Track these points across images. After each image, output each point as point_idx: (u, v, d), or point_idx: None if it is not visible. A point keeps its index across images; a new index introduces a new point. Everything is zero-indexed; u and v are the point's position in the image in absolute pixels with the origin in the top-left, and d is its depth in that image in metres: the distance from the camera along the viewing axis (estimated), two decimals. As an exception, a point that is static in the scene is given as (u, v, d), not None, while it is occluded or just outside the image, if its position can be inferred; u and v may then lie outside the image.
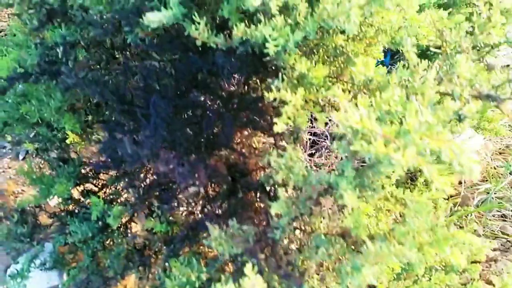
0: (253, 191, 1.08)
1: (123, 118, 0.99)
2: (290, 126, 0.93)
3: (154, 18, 0.85)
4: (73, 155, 1.73)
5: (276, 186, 0.95)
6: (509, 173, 2.33)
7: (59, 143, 1.61)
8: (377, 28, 0.94)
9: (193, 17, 0.92)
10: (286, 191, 0.89)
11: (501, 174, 2.35)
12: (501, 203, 2.20)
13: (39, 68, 1.20)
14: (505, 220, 2.17)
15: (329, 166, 2.21)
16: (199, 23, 0.93)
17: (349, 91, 0.90)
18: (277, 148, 0.99)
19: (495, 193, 2.24)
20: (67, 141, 1.49)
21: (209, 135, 0.98)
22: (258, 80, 1.00)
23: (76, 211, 1.45)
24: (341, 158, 2.32)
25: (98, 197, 1.21)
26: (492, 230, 2.09)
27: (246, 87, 1.00)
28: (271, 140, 1.07)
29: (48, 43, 1.23)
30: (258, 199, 1.08)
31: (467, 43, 0.89)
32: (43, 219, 1.62)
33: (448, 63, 0.86)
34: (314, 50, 0.98)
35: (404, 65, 0.87)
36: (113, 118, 1.09)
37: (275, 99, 0.86)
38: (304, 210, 0.83)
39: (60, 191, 1.25)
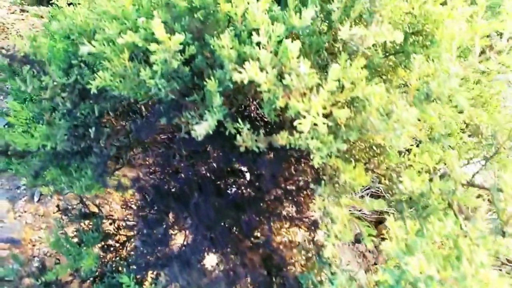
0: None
1: (163, 213, 0.99)
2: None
3: (201, 131, 0.85)
4: (93, 208, 1.72)
5: None
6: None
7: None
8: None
9: (237, 123, 0.92)
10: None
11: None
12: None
13: (69, 147, 1.20)
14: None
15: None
16: (242, 128, 0.92)
17: (396, 206, 0.90)
18: (314, 243, 1.00)
19: None
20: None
21: (247, 231, 0.98)
22: (295, 175, 1.01)
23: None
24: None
25: (129, 275, 1.21)
26: None
27: (283, 182, 1.00)
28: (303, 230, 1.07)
29: (76, 116, 1.23)
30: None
31: None
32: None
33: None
34: (357, 156, 0.98)
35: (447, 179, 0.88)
36: (150, 210, 1.09)
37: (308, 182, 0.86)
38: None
39: (88, 265, 1.24)
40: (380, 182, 1.07)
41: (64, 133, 1.22)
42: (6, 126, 2.81)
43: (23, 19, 5.03)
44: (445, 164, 1.03)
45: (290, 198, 1.02)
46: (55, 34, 1.51)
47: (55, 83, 1.06)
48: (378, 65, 1.15)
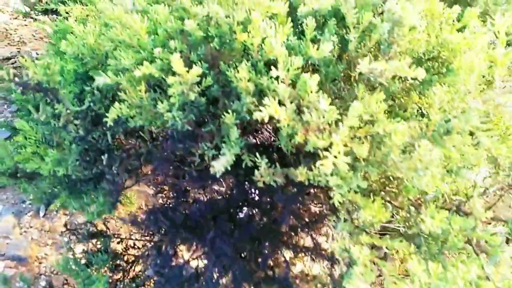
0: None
1: (178, 243, 0.98)
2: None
3: (219, 167, 0.84)
4: (101, 226, 1.71)
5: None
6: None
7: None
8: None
9: (255, 157, 0.91)
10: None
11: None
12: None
13: (81, 172, 1.19)
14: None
15: None
16: (259, 163, 0.91)
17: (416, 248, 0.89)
18: (332, 278, 0.99)
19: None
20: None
21: (263, 262, 0.97)
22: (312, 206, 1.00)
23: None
24: None
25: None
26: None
27: (300, 213, 0.99)
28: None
29: (88, 140, 1.22)
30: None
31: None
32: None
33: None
34: (373, 186, 0.97)
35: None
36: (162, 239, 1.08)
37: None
38: None
39: (99, 290, 1.23)
40: (397, 214, 1.06)
41: (75, 158, 1.21)
42: (9, 139, 2.79)
43: (26, 25, 5.02)
44: (466, 197, 1.02)
45: (306, 229, 1.01)
46: (65, 54, 1.50)
47: (68, 111, 1.05)
48: (393, 92, 1.14)
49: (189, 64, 1.07)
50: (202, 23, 1.05)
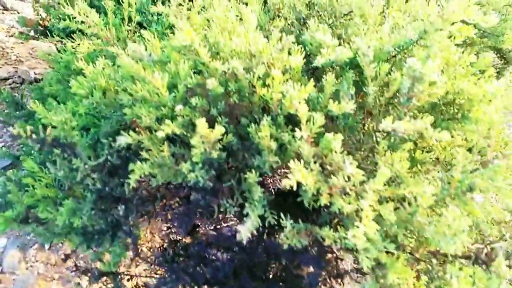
0: None
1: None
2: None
3: (245, 232, 0.84)
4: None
5: None
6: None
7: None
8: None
9: (281, 221, 0.91)
10: None
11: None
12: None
13: (96, 221, 1.17)
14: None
15: None
16: (285, 224, 0.91)
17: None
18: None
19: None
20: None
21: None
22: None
23: None
24: None
25: None
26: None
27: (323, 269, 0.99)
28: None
29: (101, 190, 1.21)
30: None
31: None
32: None
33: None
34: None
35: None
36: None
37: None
38: None
39: None
40: (418, 264, 1.06)
41: (91, 207, 1.19)
42: (10, 168, 2.76)
43: (22, 43, 4.98)
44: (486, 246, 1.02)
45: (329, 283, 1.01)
46: (76, 94, 1.48)
47: (86, 166, 1.04)
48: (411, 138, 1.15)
49: (208, 117, 1.07)
50: (222, 77, 1.06)
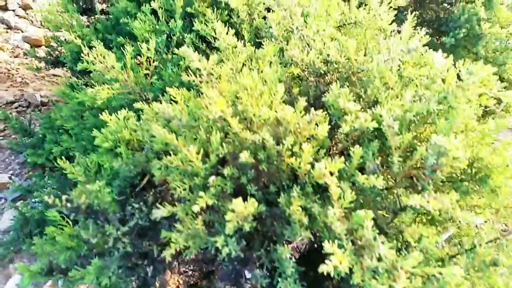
0: None
1: None
2: None
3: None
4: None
5: None
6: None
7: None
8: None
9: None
10: None
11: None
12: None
13: (123, 280, 1.19)
14: None
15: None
16: None
17: None
18: None
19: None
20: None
21: None
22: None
23: None
24: None
25: None
26: None
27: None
28: None
29: (127, 250, 1.23)
30: None
31: None
32: None
33: None
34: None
35: None
36: None
37: None
38: None
39: None
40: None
41: (118, 265, 1.21)
42: (20, 198, 2.77)
43: (27, 63, 5.00)
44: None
45: None
46: (99, 146, 1.51)
47: (118, 232, 1.07)
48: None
49: (238, 185, 1.11)
50: (251, 146, 1.09)
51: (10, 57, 5.08)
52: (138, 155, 1.24)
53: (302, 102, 1.12)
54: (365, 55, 1.42)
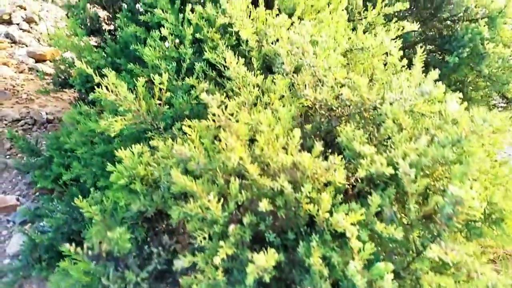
0: None
1: None
2: None
3: None
4: None
5: None
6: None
7: None
8: None
9: None
10: None
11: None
12: None
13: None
14: None
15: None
16: None
17: None
18: None
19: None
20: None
21: None
22: None
23: None
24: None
25: None
26: None
27: None
28: None
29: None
30: None
31: None
32: None
33: None
34: None
35: None
36: None
37: None
38: None
39: None
40: None
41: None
42: (29, 224, 2.77)
43: (32, 79, 5.03)
44: None
45: None
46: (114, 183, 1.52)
47: (138, 278, 1.08)
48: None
49: (256, 232, 1.12)
50: (269, 193, 1.10)
51: (15, 72, 5.11)
52: (155, 196, 1.25)
53: (319, 147, 1.14)
54: (377, 94, 1.44)
